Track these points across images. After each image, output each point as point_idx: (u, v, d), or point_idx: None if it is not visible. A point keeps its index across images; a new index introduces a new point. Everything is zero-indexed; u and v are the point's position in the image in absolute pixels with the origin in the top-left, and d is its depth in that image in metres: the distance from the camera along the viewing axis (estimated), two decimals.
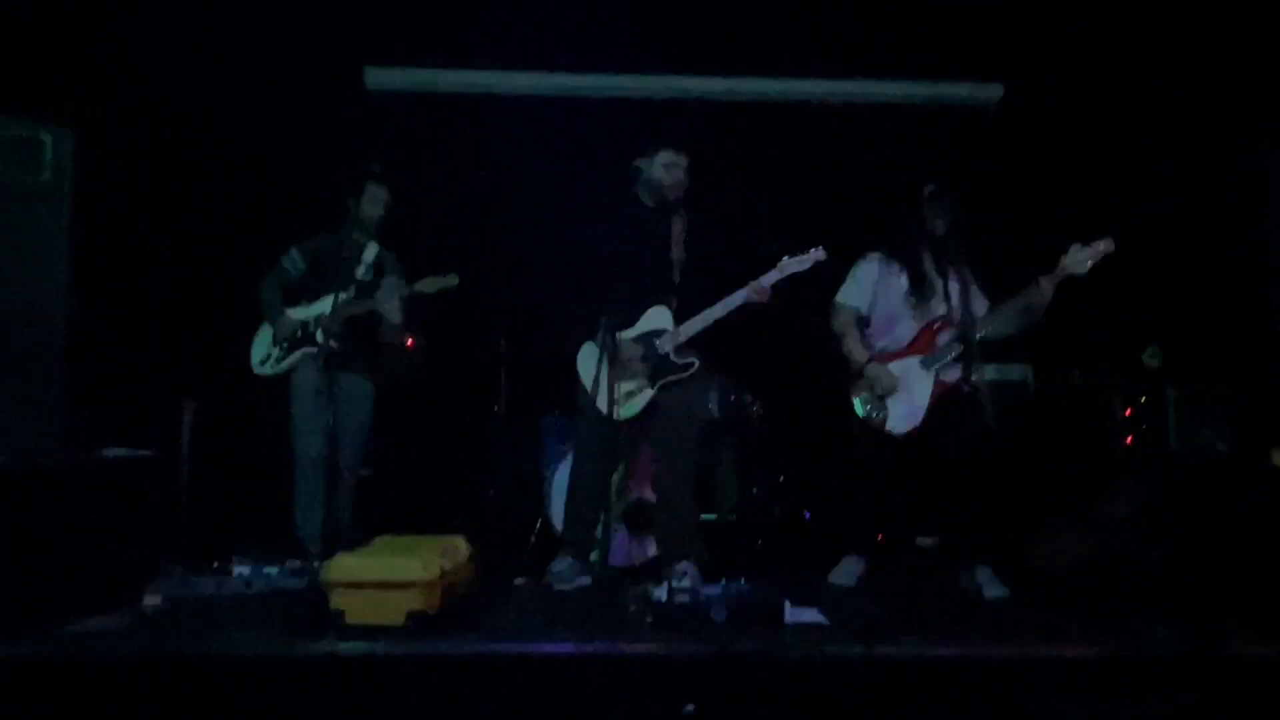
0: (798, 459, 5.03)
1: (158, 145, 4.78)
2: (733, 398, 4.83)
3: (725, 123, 5.33)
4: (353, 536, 3.52)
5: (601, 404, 3.60)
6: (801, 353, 5.07)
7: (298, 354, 4.03)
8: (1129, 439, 4.79)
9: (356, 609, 2.74)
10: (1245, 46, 4.35)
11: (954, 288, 3.69)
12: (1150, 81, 4.85)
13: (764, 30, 4.99)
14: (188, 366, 4.65)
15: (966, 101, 5.43)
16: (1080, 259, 3.48)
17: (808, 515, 4.95)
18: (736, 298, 3.58)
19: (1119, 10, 4.69)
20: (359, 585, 2.76)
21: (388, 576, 2.75)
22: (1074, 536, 3.67)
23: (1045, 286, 3.51)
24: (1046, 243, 3.56)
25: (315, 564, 3.32)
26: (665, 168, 3.73)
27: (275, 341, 4.08)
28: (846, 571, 3.74)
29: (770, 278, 3.56)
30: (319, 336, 3.97)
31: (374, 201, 4.12)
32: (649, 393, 3.63)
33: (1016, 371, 4.93)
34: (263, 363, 4.10)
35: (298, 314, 4.07)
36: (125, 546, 3.25)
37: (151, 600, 3.17)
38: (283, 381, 4.06)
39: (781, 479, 4.98)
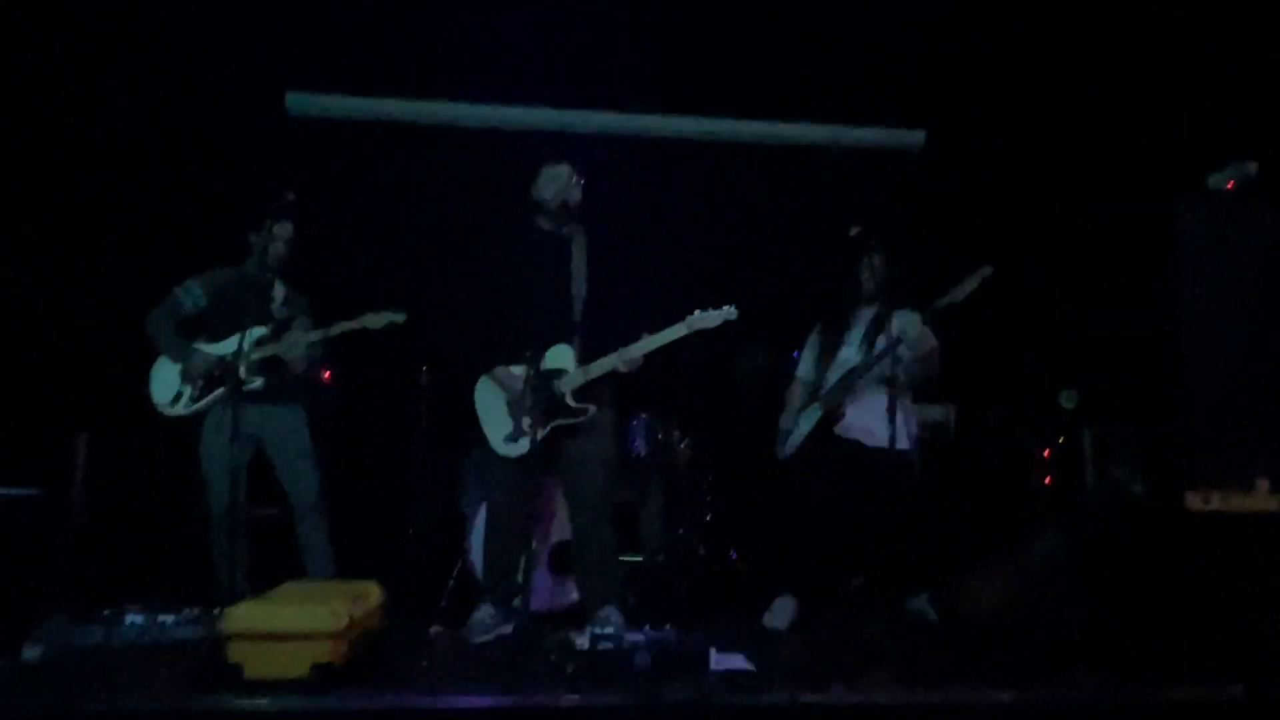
0: (726, 498, 4.97)
1: (57, 166, 4.55)
2: (659, 436, 4.77)
3: (638, 158, 5.31)
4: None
5: (498, 444, 3.52)
6: (730, 391, 5.05)
7: (217, 393, 3.76)
8: (1048, 479, 4.87)
9: (256, 661, 2.59)
10: (1163, 105, 4.53)
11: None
12: (1072, 134, 5.01)
13: (685, 68, 5.02)
14: (83, 399, 4.38)
15: (889, 146, 5.54)
16: (963, 288, 3.53)
17: (734, 555, 4.89)
18: (637, 348, 3.41)
19: (1042, 65, 4.85)
20: (259, 636, 2.60)
21: (291, 626, 2.61)
22: (996, 577, 3.69)
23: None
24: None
25: (216, 612, 3.11)
26: (548, 182, 3.61)
27: (185, 379, 3.81)
28: (780, 613, 3.68)
29: (678, 331, 3.41)
30: (242, 373, 3.70)
31: (281, 238, 3.94)
32: (541, 433, 3.44)
33: (937, 412, 4.99)
34: (173, 402, 3.80)
35: (212, 349, 3.82)
36: (3, 592, 3.05)
37: (32, 651, 2.96)
38: (189, 419, 3.82)
39: (709, 518, 4.91)
